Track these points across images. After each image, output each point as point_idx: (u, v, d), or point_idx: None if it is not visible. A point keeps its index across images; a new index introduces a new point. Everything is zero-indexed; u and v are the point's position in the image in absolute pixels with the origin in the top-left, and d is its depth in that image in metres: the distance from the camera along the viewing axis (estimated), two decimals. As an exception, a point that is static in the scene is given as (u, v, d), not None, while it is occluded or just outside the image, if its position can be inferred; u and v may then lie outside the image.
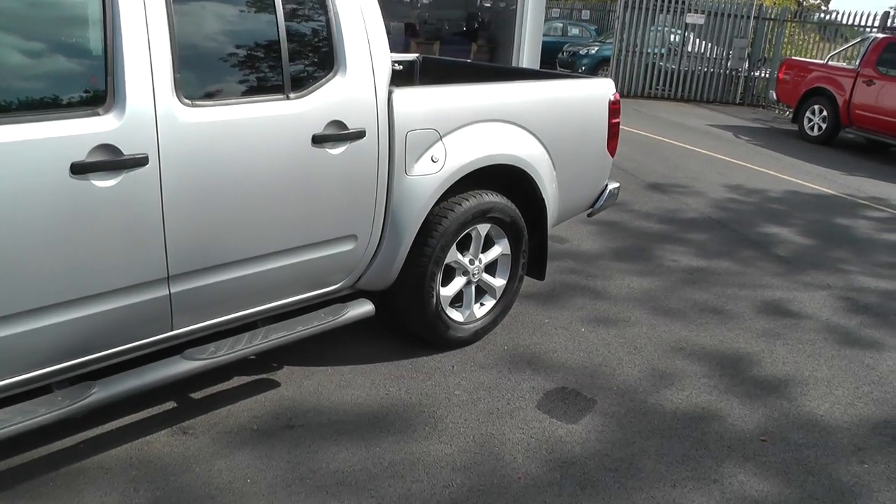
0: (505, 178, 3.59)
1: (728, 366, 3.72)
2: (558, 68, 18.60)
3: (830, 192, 7.90)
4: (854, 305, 4.65)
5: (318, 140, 2.85)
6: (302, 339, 3.02)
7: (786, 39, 14.82)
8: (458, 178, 3.29)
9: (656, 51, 14.43)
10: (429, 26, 10.27)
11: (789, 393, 3.52)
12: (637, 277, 4.80)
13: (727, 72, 14.64)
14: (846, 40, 13.15)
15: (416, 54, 5.14)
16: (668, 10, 14.29)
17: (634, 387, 3.46)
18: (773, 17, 14.82)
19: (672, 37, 14.57)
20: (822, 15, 15.98)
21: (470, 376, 3.44)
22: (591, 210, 4.19)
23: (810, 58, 13.19)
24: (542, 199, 3.69)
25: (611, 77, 14.82)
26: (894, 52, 9.84)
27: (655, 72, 14.59)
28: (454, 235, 3.39)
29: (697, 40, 14.31)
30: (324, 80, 2.89)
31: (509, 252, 3.69)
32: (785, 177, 8.44)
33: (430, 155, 3.21)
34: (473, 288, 3.62)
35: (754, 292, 4.73)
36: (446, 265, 3.46)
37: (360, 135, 2.96)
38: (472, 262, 3.56)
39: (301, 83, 2.83)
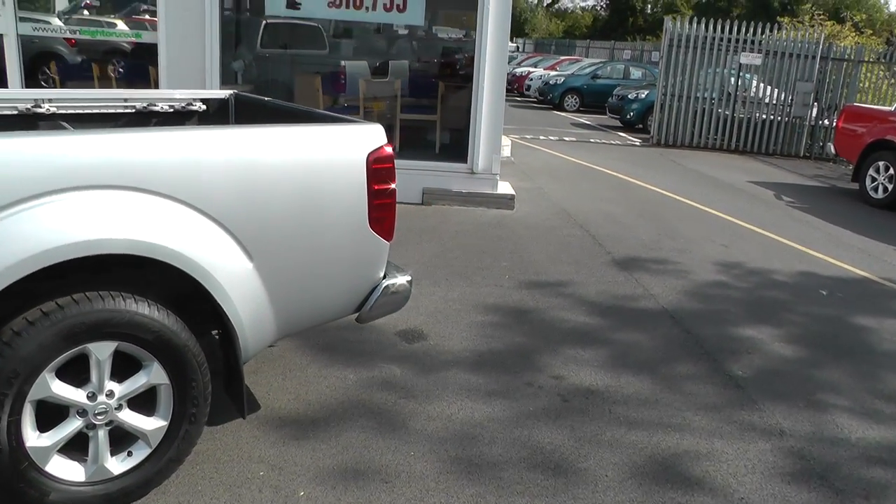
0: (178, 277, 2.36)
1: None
2: (608, 114, 17.10)
3: (865, 275, 6.05)
4: (804, 472, 3.01)
5: None
6: None
7: (865, 83, 12.69)
8: (18, 277, 2.08)
9: (707, 95, 12.67)
10: (388, 61, 9.28)
11: None
12: (477, 402, 3.36)
13: (791, 120, 12.65)
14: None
15: (231, 91, 4.03)
16: (720, 49, 12.54)
17: None
18: (848, 57, 12.75)
19: (731, 80, 12.81)
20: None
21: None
22: (357, 315, 2.86)
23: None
24: (221, 308, 2.42)
25: (654, 124, 13.31)
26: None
27: (706, 119, 12.80)
28: (39, 361, 2.17)
29: (755, 83, 12.47)
30: None
31: (168, 382, 2.43)
32: (811, 252, 6.64)
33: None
34: (103, 433, 2.37)
35: (651, 437, 3.18)
36: (44, 401, 2.25)
37: None
38: (93, 396, 2.32)
39: None
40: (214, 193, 2.36)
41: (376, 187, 2.68)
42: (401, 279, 2.89)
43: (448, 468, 2.82)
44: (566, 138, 14.57)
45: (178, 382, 2.42)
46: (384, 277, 2.87)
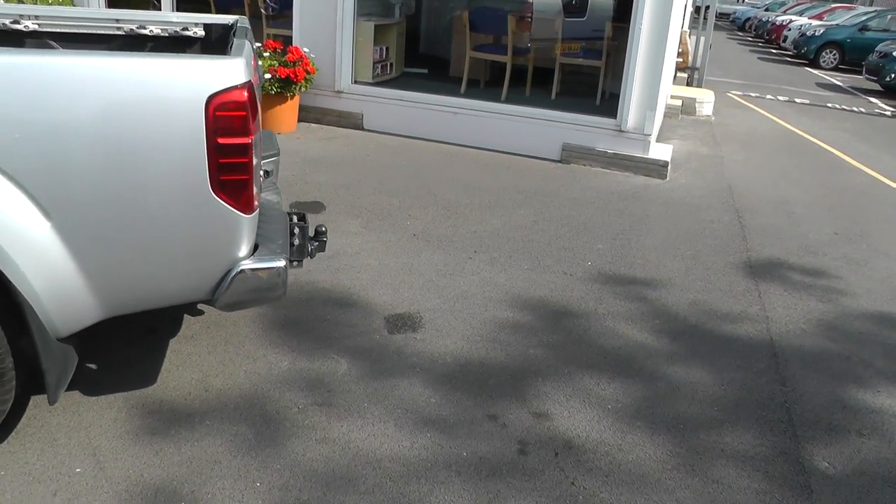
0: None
1: None
2: (864, 75, 14.03)
3: None
4: None
5: None
6: None
7: None
8: None
9: None
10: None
11: None
12: (402, 430, 2.59)
13: None
14: None
15: (238, 16, 3.52)
16: None
17: None
18: None
19: None
20: None
21: None
22: (213, 301, 2.25)
23: None
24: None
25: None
26: None
27: None
28: None
29: None
30: None
31: (-57, 352, 2.06)
32: None
33: None
34: None
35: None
36: None
37: None
38: None
39: None
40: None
41: (221, 141, 2.02)
42: (266, 264, 2.23)
43: (286, 519, 2.17)
44: (798, 100, 12.25)
45: (-43, 356, 2.06)
46: (248, 258, 2.23)
